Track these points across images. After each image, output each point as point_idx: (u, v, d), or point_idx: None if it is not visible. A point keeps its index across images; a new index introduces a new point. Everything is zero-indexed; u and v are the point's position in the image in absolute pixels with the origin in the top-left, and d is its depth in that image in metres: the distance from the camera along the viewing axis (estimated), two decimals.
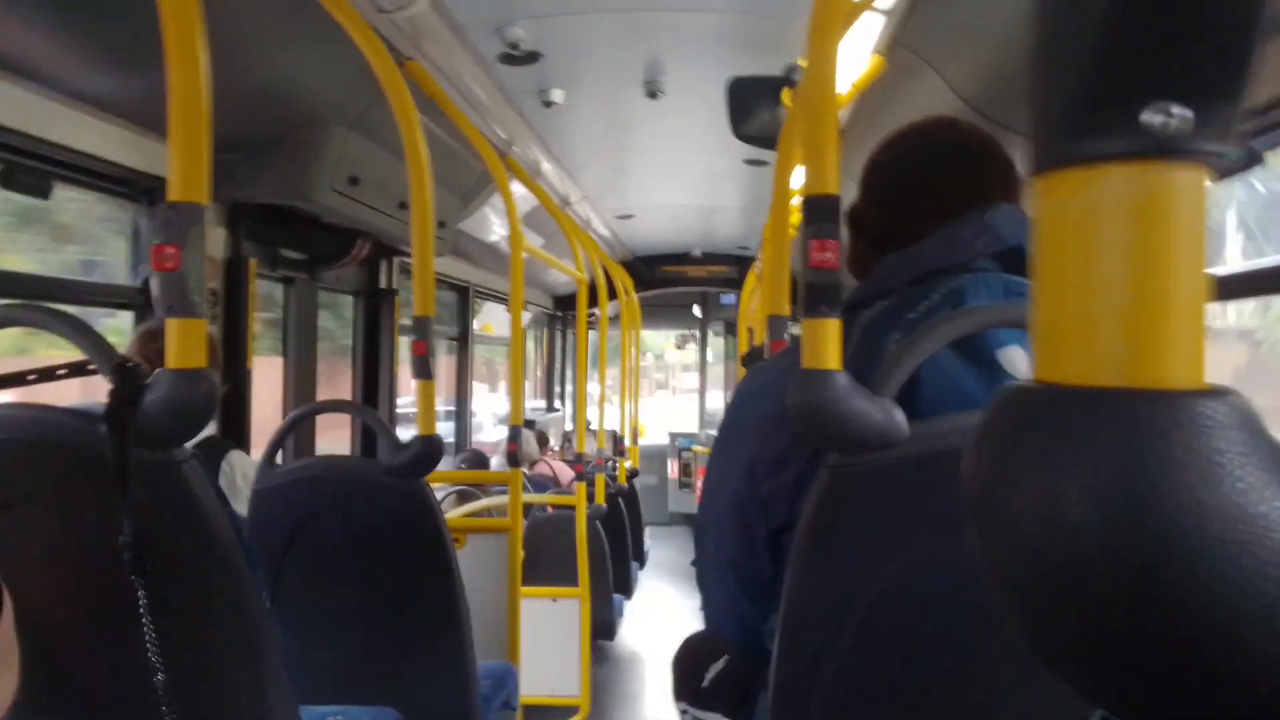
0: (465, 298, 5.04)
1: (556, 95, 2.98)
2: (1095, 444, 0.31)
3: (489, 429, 6.40)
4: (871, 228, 1.10)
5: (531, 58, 2.62)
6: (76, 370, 1.00)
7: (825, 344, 0.82)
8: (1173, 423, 0.31)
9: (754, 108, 2.41)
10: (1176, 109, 0.31)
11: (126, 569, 0.93)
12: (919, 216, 1.02)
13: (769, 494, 1.00)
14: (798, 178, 2.17)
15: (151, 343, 1.73)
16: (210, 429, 1.73)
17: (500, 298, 5.71)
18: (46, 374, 1.01)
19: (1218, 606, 0.30)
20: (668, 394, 12.59)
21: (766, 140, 2.38)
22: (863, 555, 0.83)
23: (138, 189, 2.25)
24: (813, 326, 0.82)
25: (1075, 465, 0.32)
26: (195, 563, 0.96)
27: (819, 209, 0.83)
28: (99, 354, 0.97)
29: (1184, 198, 0.32)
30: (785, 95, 2.40)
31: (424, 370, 1.87)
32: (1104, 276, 0.33)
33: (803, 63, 2.46)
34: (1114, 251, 0.33)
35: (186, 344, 0.94)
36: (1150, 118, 0.31)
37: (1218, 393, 0.32)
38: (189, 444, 0.99)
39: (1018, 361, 0.90)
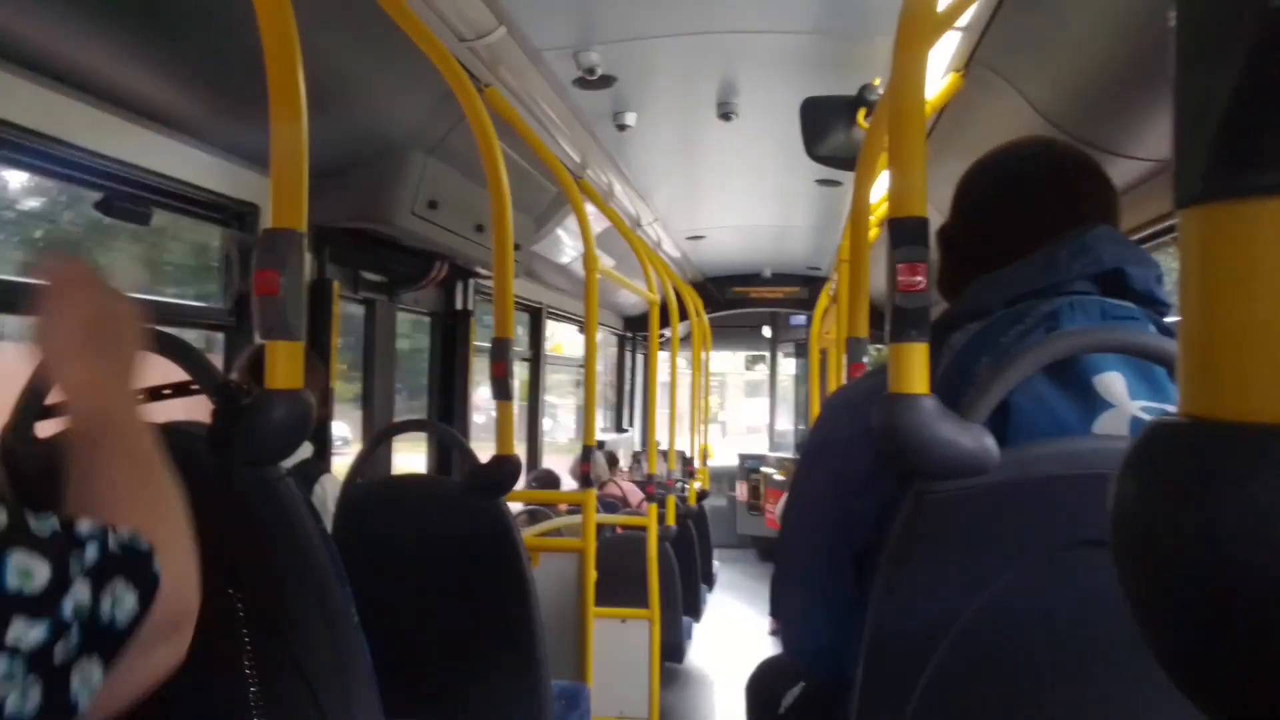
0: (538, 319, 5.10)
1: (629, 118, 3.02)
2: (1254, 483, 0.31)
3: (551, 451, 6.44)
4: (963, 248, 1.09)
5: (606, 81, 2.66)
6: (180, 390, 1.03)
7: (913, 368, 0.81)
8: None
9: (828, 128, 2.40)
10: None
11: (223, 582, 0.96)
12: (1013, 237, 1.00)
13: (857, 514, 0.98)
14: (875, 198, 2.15)
15: (257, 364, 1.78)
16: (305, 450, 1.76)
17: (572, 319, 5.77)
18: (154, 393, 1.05)
19: None
20: (716, 430, 10.12)
21: (843, 161, 2.36)
22: (952, 582, 0.82)
23: (229, 214, 2.34)
24: (900, 351, 0.81)
25: (1233, 503, 0.31)
26: (289, 577, 0.99)
27: (907, 231, 0.82)
28: (203, 374, 1.01)
29: None
30: (860, 115, 2.39)
31: (504, 391, 1.90)
32: (1264, 310, 0.32)
33: (877, 83, 2.44)
34: (1274, 285, 0.32)
35: (286, 365, 0.97)
36: None
37: None
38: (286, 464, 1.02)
39: (1115, 388, 0.87)
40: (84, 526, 0.62)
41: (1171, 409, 0.87)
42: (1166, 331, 0.94)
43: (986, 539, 0.81)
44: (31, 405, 1.06)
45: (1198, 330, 0.34)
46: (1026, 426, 0.85)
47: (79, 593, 0.59)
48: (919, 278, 0.81)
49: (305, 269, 1.00)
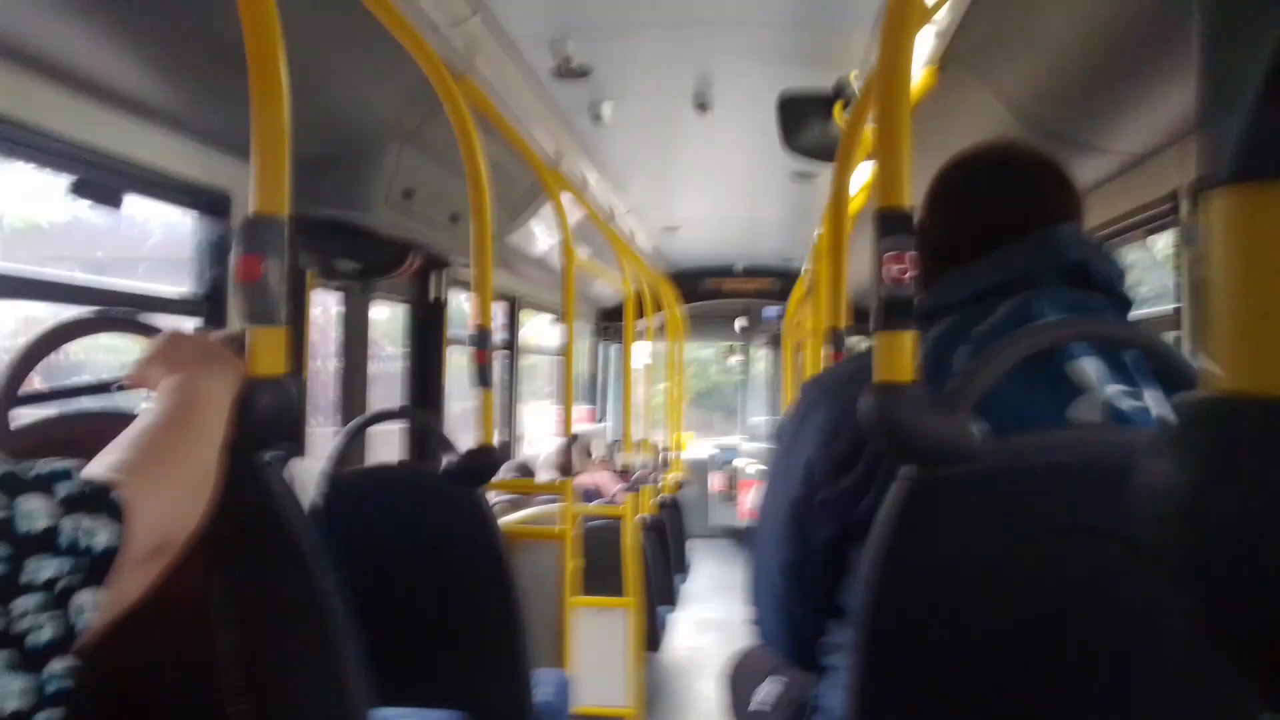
0: (513, 309, 5.09)
1: (606, 110, 3.01)
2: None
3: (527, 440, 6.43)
4: (937, 242, 1.12)
5: (582, 72, 2.66)
6: None
7: (900, 357, 0.82)
8: None
9: (806, 121, 2.42)
10: None
11: (208, 568, 0.95)
12: (981, 234, 1.06)
13: (830, 499, 1.00)
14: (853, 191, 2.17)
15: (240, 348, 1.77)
16: None
17: (546, 309, 5.75)
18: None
19: None
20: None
21: (821, 152, 2.38)
22: (941, 568, 0.83)
23: (202, 200, 2.31)
24: (887, 339, 0.83)
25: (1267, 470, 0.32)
26: (276, 564, 0.98)
27: (893, 222, 0.84)
28: None
29: None
30: (837, 109, 2.40)
31: (484, 379, 1.89)
32: None
33: (853, 76, 2.46)
34: None
35: (269, 351, 0.97)
36: None
37: None
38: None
39: (1088, 374, 0.90)
40: (44, 467, 0.68)
41: (1143, 394, 0.89)
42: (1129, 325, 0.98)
43: (974, 525, 0.83)
44: (8, 392, 1.05)
45: (1236, 307, 0.35)
46: (1003, 413, 0.87)
47: (66, 527, 0.65)
48: (905, 267, 0.83)
49: (287, 255, 1.00)
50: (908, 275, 0.83)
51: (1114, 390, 0.90)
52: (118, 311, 1.10)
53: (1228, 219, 0.35)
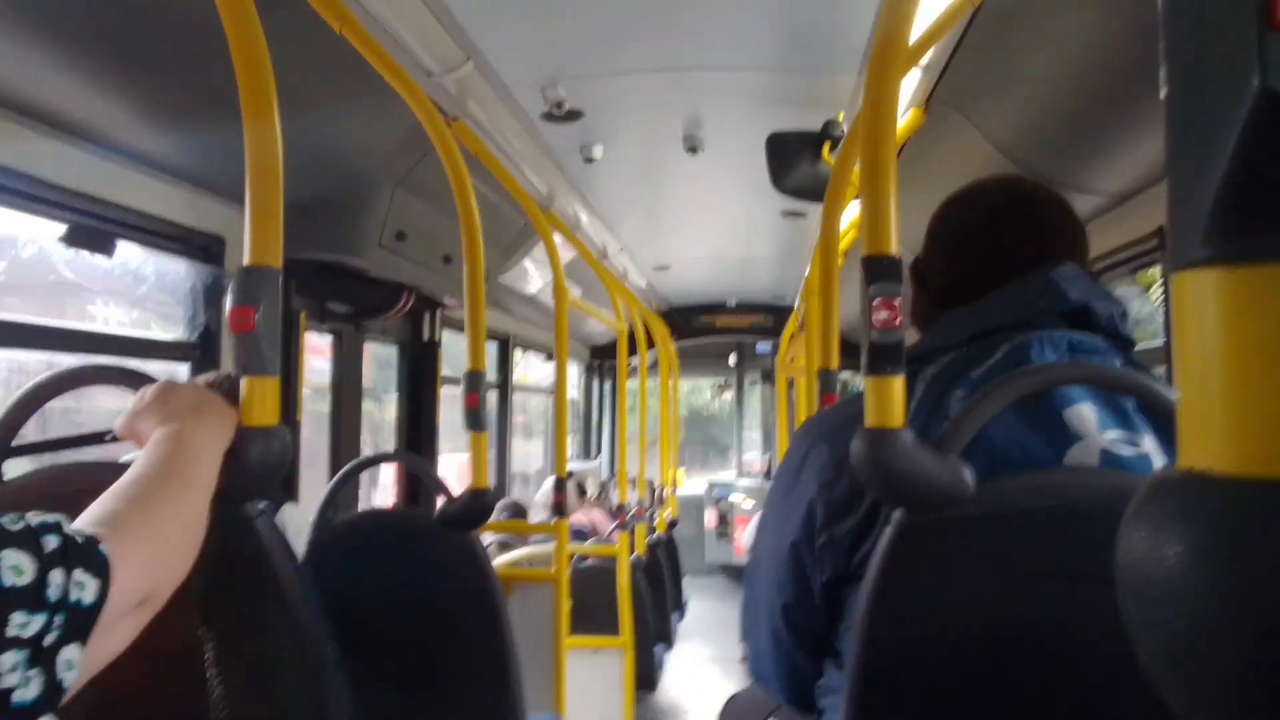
0: (505, 348, 5.09)
1: (597, 151, 3.04)
2: (1255, 532, 0.32)
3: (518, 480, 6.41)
4: (935, 282, 1.12)
5: (573, 116, 2.68)
6: None
7: (889, 402, 0.82)
8: None
9: (794, 162, 2.45)
10: None
11: (196, 622, 0.95)
12: (983, 273, 1.04)
13: (828, 542, 0.99)
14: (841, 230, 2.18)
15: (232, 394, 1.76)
16: None
17: (539, 348, 5.76)
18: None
19: None
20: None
21: (809, 193, 2.41)
22: (934, 611, 0.83)
23: (194, 246, 2.32)
24: (877, 385, 0.83)
25: (1246, 554, 0.32)
26: (264, 616, 0.98)
27: (880, 268, 0.85)
28: None
29: None
30: (825, 149, 2.43)
31: (476, 422, 1.89)
32: (1251, 368, 0.33)
33: (840, 118, 2.49)
34: (1269, 346, 0.33)
35: (262, 402, 0.97)
36: None
37: None
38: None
39: (1085, 420, 0.90)
40: (34, 519, 0.67)
41: (1142, 440, 0.89)
42: (1134, 365, 0.97)
43: (968, 570, 0.83)
44: (0, 447, 1.04)
45: (1202, 386, 0.35)
46: (999, 458, 0.87)
47: (54, 580, 0.64)
48: (892, 313, 0.83)
49: (280, 305, 1.00)
50: (896, 321, 0.83)
51: (1112, 436, 0.89)
52: (109, 364, 1.10)
53: (1183, 301, 0.36)
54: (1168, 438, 0.90)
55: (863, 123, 0.92)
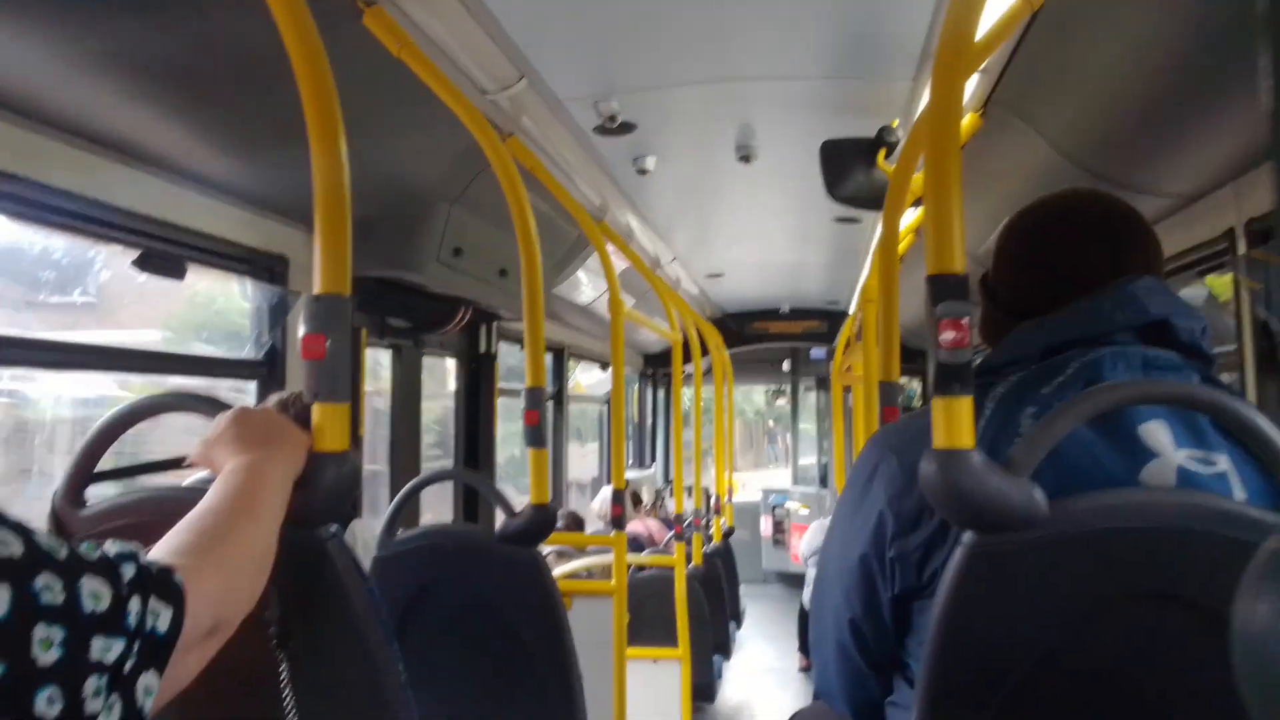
0: (560, 359, 5.12)
1: (649, 163, 3.05)
2: None
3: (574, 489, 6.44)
4: (1006, 295, 1.10)
5: (626, 128, 2.69)
6: None
7: (959, 422, 0.81)
8: None
9: (849, 169, 2.42)
10: None
11: (271, 644, 0.97)
12: (1056, 287, 1.02)
13: (898, 555, 0.98)
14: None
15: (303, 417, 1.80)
16: None
17: (593, 358, 5.78)
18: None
19: None
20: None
21: (864, 200, 2.38)
22: (1005, 634, 0.82)
23: (260, 267, 2.38)
24: (945, 405, 0.82)
25: None
26: (337, 638, 1.00)
27: (947, 287, 0.83)
28: None
29: None
30: (880, 156, 2.41)
31: (537, 439, 1.91)
32: None
33: (895, 124, 2.47)
34: None
35: (333, 427, 0.99)
36: None
37: None
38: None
39: (1160, 437, 0.88)
40: (112, 548, 0.69)
41: (1218, 458, 0.87)
42: (1213, 382, 0.94)
43: (1038, 592, 0.81)
44: (84, 470, 1.08)
45: None
46: (1073, 476, 0.85)
47: (133, 608, 0.66)
48: (960, 333, 0.82)
49: (350, 331, 1.02)
50: (964, 341, 0.82)
51: (1186, 454, 0.87)
52: (189, 392, 1.13)
53: None
54: (1245, 455, 0.88)
55: (927, 128, 0.90)
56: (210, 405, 1.04)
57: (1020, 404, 0.93)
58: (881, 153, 2.38)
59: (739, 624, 5.76)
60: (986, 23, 1.70)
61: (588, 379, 6.74)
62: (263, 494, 0.89)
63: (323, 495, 0.96)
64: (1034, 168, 2.39)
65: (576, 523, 4.69)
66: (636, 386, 7.93)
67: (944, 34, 0.91)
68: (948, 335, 0.82)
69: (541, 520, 1.79)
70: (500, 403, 3.89)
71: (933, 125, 0.90)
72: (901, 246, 2.69)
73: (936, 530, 0.94)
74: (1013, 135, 2.35)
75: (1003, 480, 0.79)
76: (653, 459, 8.06)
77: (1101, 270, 1.00)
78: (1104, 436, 0.88)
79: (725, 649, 4.87)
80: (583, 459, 6.93)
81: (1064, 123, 2.23)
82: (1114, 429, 0.88)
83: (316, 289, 1.00)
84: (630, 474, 6.56)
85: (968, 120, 2.37)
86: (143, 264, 2.04)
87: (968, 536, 0.82)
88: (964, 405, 0.82)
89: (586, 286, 4.52)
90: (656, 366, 7.84)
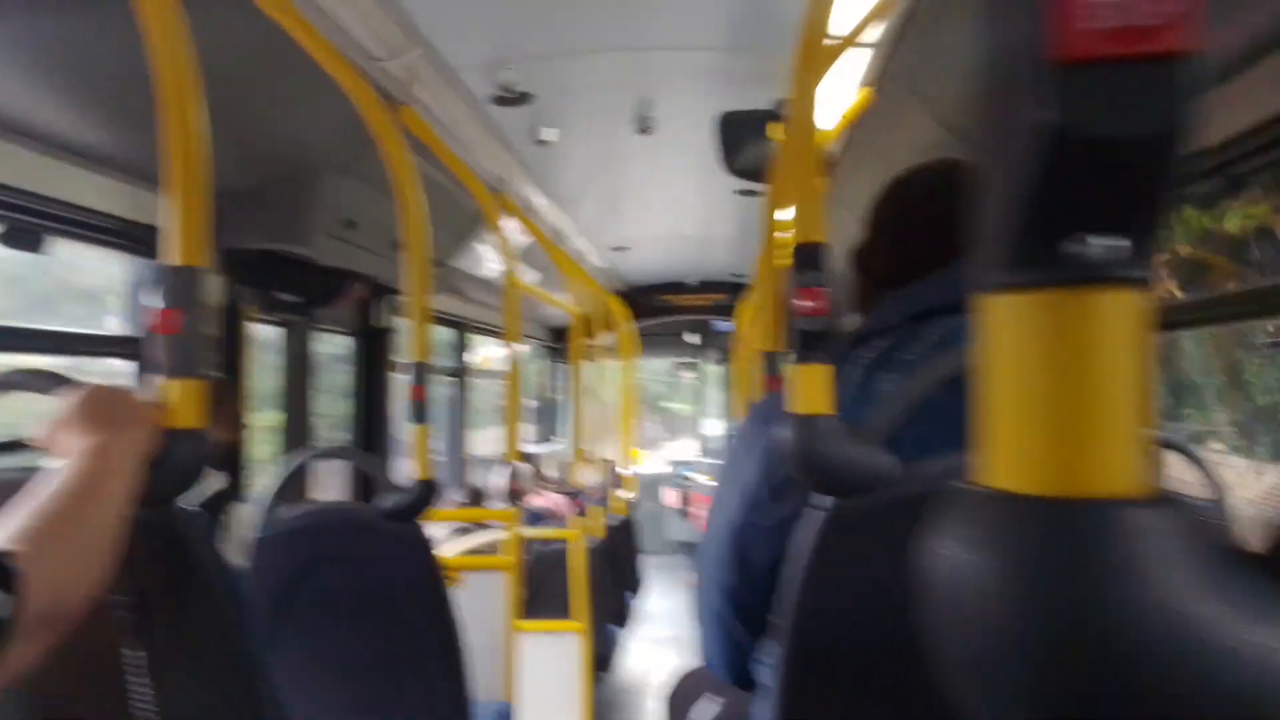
0: (461, 334, 5.05)
1: (549, 134, 3.01)
2: (1032, 549, 0.33)
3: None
4: (876, 266, 1.12)
5: (524, 99, 2.66)
6: None
7: (815, 389, 0.83)
8: (1100, 529, 0.33)
9: (744, 142, 2.44)
10: (1098, 240, 0.34)
11: (123, 628, 0.93)
12: (923, 257, 1.04)
13: (769, 524, 1.00)
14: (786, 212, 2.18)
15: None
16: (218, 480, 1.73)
17: (495, 333, 5.72)
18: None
19: (1152, 704, 0.32)
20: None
21: (758, 174, 2.40)
22: (861, 595, 0.84)
23: (130, 239, 2.26)
24: (803, 371, 0.83)
25: (1018, 566, 0.33)
26: (194, 619, 0.96)
27: (807, 257, 0.85)
28: None
29: (1109, 317, 0.35)
30: (771, 129, 2.42)
31: (420, 415, 1.88)
32: (1038, 392, 0.35)
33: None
34: (1046, 369, 0.35)
35: (187, 403, 0.95)
36: (1070, 249, 0.35)
37: (1153, 501, 0.34)
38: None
39: None
40: None
41: None
42: None
43: (892, 553, 0.84)
44: None
45: (990, 406, 0.38)
46: (941, 441, 0.88)
47: None
48: (819, 301, 0.83)
49: (209, 302, 0.98)
50: (822, 309, 0.84)
51: None
52: (32, 369, 1.06)
53: (997, 322, 0.37)
54: None
55: (790, 113, 0.91)
56: (54, 382, 0.98)
57: (884, 371, 0.95)
58: (772, 125, 2.39)
59: (635, 594, 5.82)
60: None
61: (497, 355, 6.67)
62: (108, 475, 0.86)
63: (169, 473, 0.92)
64: (926, 143, 2.45)
65: (478, 497, 4.65)
66: (545, 362, 7.89)
67: (806, 15, 0.92)
68: (806, 303, 0.83)
69: (424, 495, 1.77)
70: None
71: (796, 104, 0.91)
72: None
73: (804, 500, 0.96)
74: (905, 110, 2.40)
75: (855, 445, 0.81)
76: (558, 433, 8.04)
77: (965, 240, 1.02)
78: (957, 400, 0.90)
79: (621, 619, 4.92)
80: (497, 440, 6.86)
81: (952, 99, 2.28)
82: (966, 393, 0.91)
83: (171, 260, 0.95)
84: (537, 448, 6.53)
85: (860, 95, 2.40)
86: (5, 240, 1.91)
87: (819, 499, 0.83)
88: (821, 372, 0.83)
89: (490, 260, 4.45)
90: (562, 341, 7.81)
